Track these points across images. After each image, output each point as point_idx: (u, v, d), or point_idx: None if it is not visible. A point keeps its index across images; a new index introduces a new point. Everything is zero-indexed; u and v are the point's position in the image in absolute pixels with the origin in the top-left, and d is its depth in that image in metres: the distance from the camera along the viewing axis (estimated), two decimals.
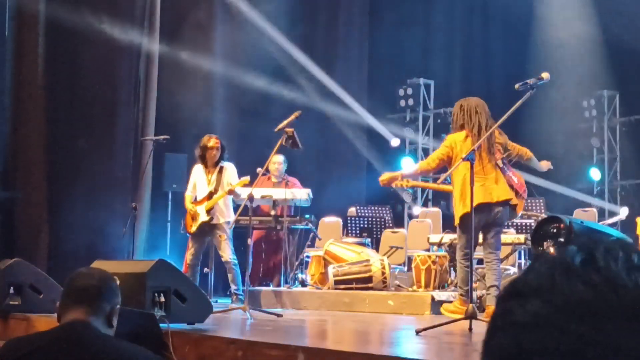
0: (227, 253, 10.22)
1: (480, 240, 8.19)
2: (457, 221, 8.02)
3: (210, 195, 10.32)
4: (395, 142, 16.55)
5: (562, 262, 0.95)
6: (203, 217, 10.26)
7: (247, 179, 10.04)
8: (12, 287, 8.11)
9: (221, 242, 10.26)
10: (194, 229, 10.35)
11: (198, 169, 10.53)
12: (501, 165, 8.14)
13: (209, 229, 10.35)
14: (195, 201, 10.43)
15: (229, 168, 10.45)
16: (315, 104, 14.74)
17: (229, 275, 10.28)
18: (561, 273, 0.94)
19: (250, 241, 8.96)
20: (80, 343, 3.05)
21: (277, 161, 11.81)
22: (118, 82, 13.36)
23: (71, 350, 3.02)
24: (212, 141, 10.41)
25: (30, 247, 12.28)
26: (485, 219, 7.98)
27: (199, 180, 10.48)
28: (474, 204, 7.33)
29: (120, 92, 13.24)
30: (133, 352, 3.11)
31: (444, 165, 8.05)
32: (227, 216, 10.38)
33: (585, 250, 0.95)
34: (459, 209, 7.90)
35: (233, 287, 10.23)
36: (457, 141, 8.04)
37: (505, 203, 8.06)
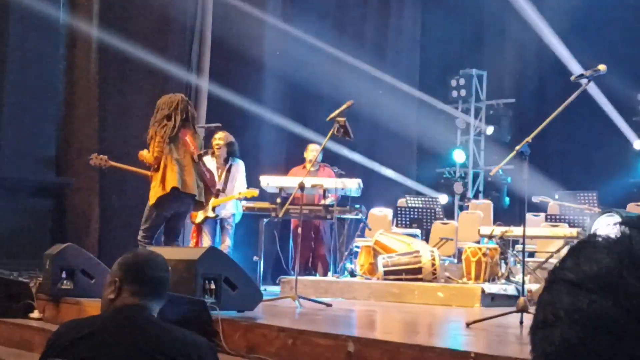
0: (226, 241, 10.63)
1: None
2: (152, 201, 9.01)
3: (217, 192, 10.50)
4: (461, 123, 16.48)
5: (629, 256, 0.91)
6: (209, 213, 10.45)
7: (256, 191, 10.55)
8: (64, 272, 8.20)
9: (224, 230, 10.72)
10: (198, 219, 10.55)
11: (209, 162, 10.65)
12: (197, 160, 9.15)
13: (214, 221, 10.64)
14: None
15: (238, 167, 10.61)
16: (367, 94, 14.67)
17: None
18: (631, 271, 0.89)
19: (299, 230, 8.96)
20: (134, 328, 3.05)
21: (313, 150, 11.75)
22: (169, 70, 13.41)
23: (127, 334, 3.03)
24: (216, 137, 10.61)
25: (81, 232, 12.41)
26: (178, 207, 9.09)
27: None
28: (168, 188, 8.86)
29: (171, 79, 13.28)
30: (186, 338, 3.11)
31: None
32: (232, 209, 10.79)
33: None
34: (157, 191, 8.94)
35: None
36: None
37: (194, 196, 9.07)
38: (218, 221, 10.73)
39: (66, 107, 12.99)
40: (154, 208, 9.04)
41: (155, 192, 9.00)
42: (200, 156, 9.22)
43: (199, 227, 10.74)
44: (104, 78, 12.88)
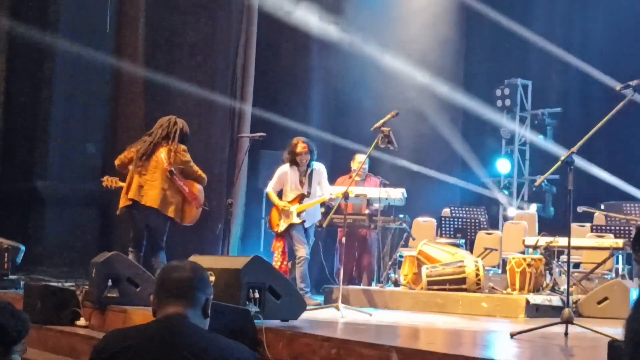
0: (306, 250, 10.36)
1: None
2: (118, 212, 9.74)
3: (301, 198, 10.40)
4: (505, 133, 16.35)
5: None
6: (295, 219, 10.34)
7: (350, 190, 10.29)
8: (110, 280, 8.28)
9: (306, 235, 10.47)
10: (282, 228, 10.42)
11: (287, 169, 10.57)
12: (170, 176, 9.42)
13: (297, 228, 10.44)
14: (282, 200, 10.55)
15: (320, 170, 10.53)
16: (411, 103, 14.64)
17: (299, 270, 10.24)
18: None
19: (344, 239, 8.97)
20: (178, 337, 3.07)
21: (360, 161, 11.73)
22: (215, 79, 13.49)
23: (169, 344, 3.05)
24: (299, 147, 10.50)
25: (127, 240, 12.49)
26: (140, 217, 9.50)
27: (290, 180, 10.53)
28: (127, 200, 9.40)
29: (217, 88, 13.36)
30: (230, 347, 3.12)
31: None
32: (315, 218, 10.59)
33: None
34: (121, 201, 9.57)
35: (302, 285, 10.13)
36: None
37: (154, 210, 9.39)
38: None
39: (111, 119, 13.12)
40: (122, 218, 9.75)
41: (120, 203, 9.61)
42: (171, 172, 9.36)
43: (282, 236, 10.59)
44: (149, 97, 12.97)
